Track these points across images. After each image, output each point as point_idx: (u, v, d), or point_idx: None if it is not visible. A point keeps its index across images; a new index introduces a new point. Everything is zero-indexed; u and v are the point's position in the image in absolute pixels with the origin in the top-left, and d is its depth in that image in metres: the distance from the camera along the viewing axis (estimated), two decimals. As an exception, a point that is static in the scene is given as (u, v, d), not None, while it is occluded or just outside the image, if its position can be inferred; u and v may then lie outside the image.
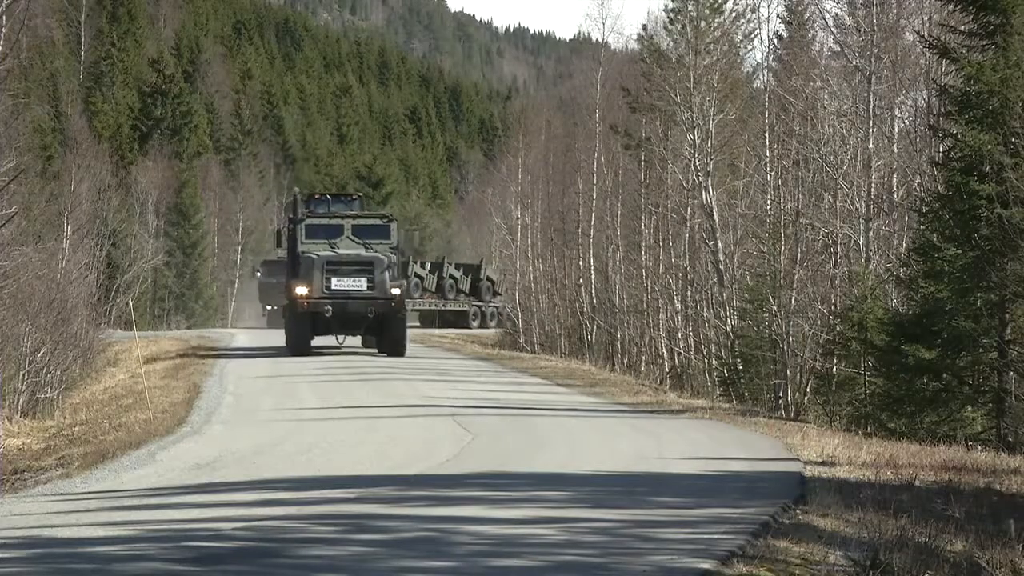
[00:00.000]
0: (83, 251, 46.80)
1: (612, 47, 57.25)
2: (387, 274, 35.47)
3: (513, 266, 56.59)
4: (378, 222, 37.68)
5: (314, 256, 35.58)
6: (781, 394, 32.35)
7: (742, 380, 35.13)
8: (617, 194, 48.36)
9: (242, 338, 47.22)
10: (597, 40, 55.12)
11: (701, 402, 26.76)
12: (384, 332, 36.29)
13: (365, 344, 38.85)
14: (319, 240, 36.42)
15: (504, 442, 17.36)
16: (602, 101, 49.13)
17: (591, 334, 48.06)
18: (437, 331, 56.35)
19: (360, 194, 44.41)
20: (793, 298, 32.69)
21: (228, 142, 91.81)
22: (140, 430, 20.24)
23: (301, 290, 35.00)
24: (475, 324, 62.97)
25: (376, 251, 36.08)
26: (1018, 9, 22.98)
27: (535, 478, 13.75)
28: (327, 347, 37.89)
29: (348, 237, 36.58)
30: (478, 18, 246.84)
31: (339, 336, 38.07)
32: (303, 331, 35.84)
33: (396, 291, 35.63)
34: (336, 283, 35.14)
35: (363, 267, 35.39)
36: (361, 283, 35.19)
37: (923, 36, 28.03)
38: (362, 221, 37.44)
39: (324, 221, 37.28)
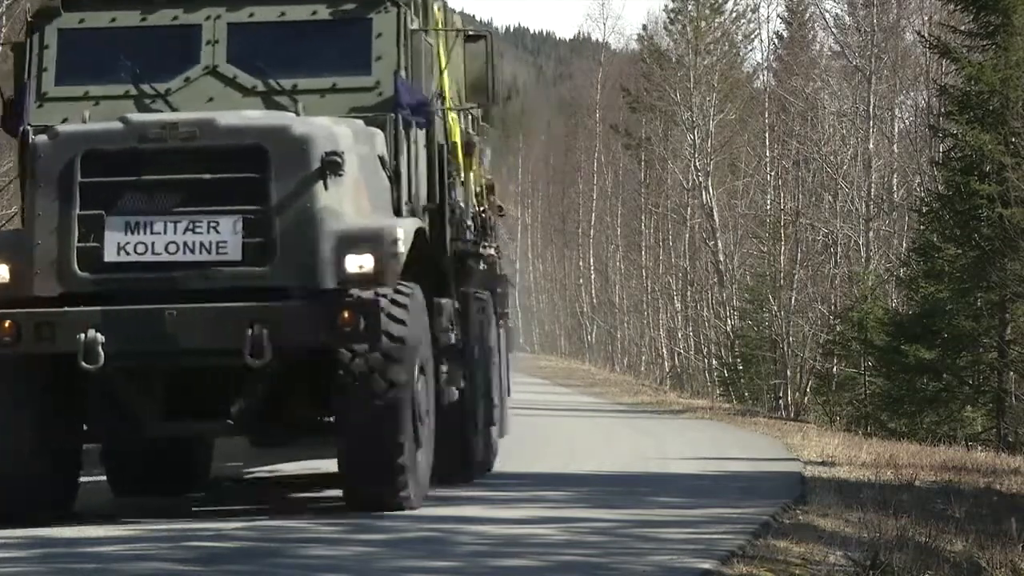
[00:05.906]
0: (83, 251, 46.89)
1: (612, 47, 57.36)
2: (349, 192, 9.80)
3: (513, 266, 56.68)
4: (324, 11, 10.54)
5: (50, 140, 9.78)
6: (781, 394, 32.39)
7: (742, 380, 35.18)
8: (617, 194, 48.45)
9: None
10: (597, 40, 55.46)
11: (701, 402, 26.79)
12: (352, 417, 9.95)
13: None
14: (97, 82, 10.56)
15: (504, 442, 17.36)
16: (602, 101, 49.23)
17: (591, 334, 48.08)
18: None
19: None
20: (793, 298, 32.74)
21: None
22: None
23: None
24: None
25: (301, 107, 10.19)
26: (1018, 9, 23.04)
27: (535, 478, 13.75)
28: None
29: (213, 70, 10.43)
30: (478, 18, 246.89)
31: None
32: (13, 441, 9.89)
33: (396, 243, 9.74)
34: (128, 239, 9.45)
35: (238, 166, 9.59)
36: (226, 232, 9.42)
37: (923, 36, 28.09)
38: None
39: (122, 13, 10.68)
